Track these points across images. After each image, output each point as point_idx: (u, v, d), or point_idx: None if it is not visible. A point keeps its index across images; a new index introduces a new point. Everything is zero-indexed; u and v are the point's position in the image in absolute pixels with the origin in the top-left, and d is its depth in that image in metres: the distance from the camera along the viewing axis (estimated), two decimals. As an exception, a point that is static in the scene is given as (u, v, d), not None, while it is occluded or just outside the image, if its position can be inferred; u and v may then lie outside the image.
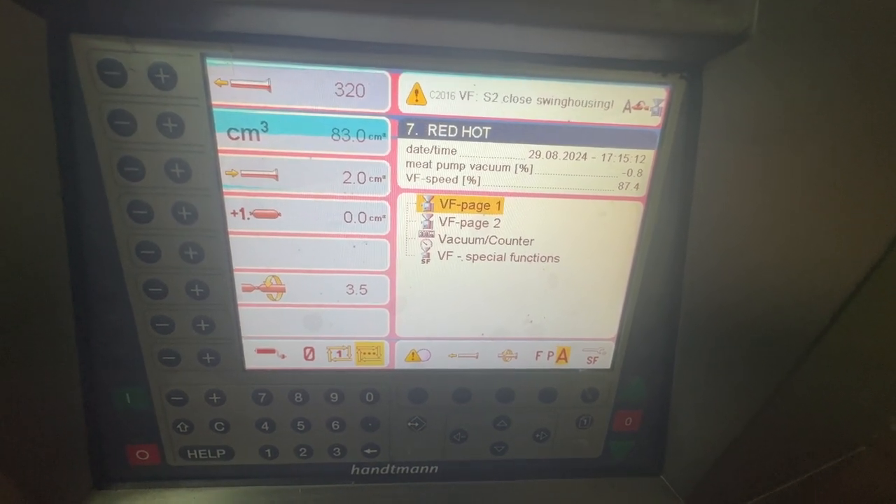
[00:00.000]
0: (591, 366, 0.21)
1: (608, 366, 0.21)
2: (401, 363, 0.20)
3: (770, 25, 0.15)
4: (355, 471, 0.22)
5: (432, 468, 0.22)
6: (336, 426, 0.21)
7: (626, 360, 0.21)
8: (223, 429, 0.20)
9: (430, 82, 0.16)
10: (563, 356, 0.21)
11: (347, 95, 0.16)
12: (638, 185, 0.18)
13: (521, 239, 0.18)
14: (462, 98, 0.16)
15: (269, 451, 0.21)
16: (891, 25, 0.12)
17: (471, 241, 0.18)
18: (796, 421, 0.21)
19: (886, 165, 0.13)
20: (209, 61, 0.15)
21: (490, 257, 0.19)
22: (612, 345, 0.21)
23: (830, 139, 0.14)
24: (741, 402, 0.19)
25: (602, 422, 0.22)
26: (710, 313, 0.19)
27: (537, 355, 0.21)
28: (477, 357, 0.20)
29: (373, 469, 0.22)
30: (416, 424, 0.21)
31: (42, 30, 0.14)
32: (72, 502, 0.20)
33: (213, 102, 0.16)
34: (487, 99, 0.16)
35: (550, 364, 0.21)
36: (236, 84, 0.15)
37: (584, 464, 0.23)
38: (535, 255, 0.19)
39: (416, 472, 0.22)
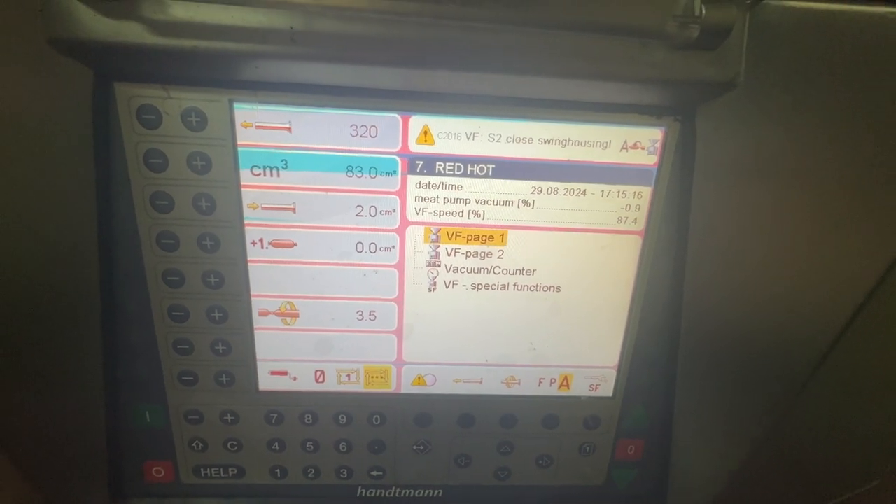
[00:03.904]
0: (593, 393, 0.22)
1: (610, 394, 0.22)
2: (407, 387, 0.21)
3: (756, 74, 0.16)
4: (361, 493, 0.22)
5: (437, 492, 0.23)
6: (343, 448, 0.21)
7: (627, 388, 0.22)
8: (236, 448, 0.21)
9: (438, 124, 0.17)
10: (565, 383, 0.21)
11: (361, 136, 0.17)
12: (636, 219, 0.19)
13: (523, 269, 0.19)
14: (468, 138, 0.17)
15: (278, 470, 0.22)
16: (852, 75, 0.13)
17: (475, 271, 0.19)
18: (798, 453, 0.21)
19: (865, 201, 0.14)
20: (236, 106, 0.16)
21: (494, 287, 0.19)
22: (614, 373, 0.21)
23: (813, 177, 0.15)
24: (742, 433, 0.19)
25: (605, 449, 0.23)
26: (708, 343, 0.19)
27: (540, 382, 0.21)
28: (481, 383, 0.21)
29: (378, 491, 0.22)
30: (422, 448, 0.22)
31: (89, 78, 0.15)
32: None
33: (239, 142, 0.17)
34: (491, 139, 0.18)
35: (553, 391, 0.21)
36: (260, 126, 0.17)
37: (588, 491, 0.23)
38: (537, 285, 0.19)
39: (421, 495, 0.23)
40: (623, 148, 0.18)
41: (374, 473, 0.22)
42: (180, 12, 0.14)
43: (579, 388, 0.21)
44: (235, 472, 0.21)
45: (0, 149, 0.15)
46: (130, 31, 0.14)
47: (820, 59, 0.14)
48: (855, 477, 0.30)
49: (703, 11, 0.14)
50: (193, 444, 0.21)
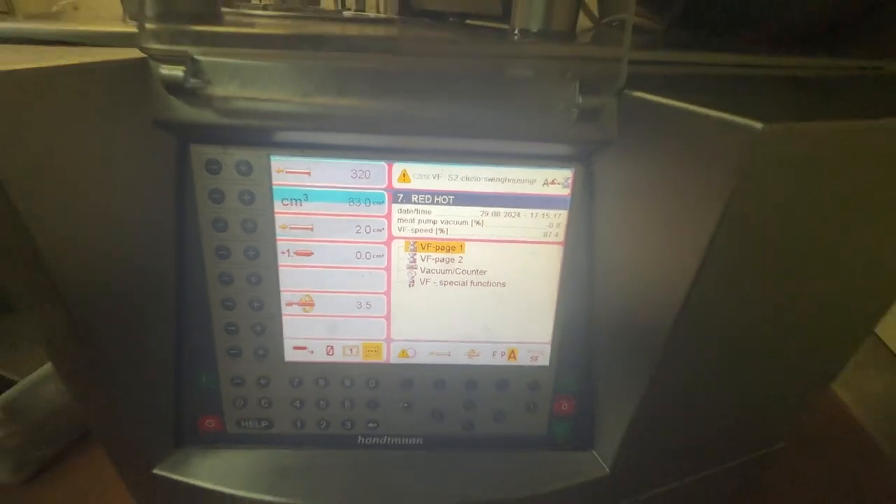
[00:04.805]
0: (534, 363, 0.28)
1: (546, 363, 0.28)
2: (394, 359, 0.28)
3: (626, 134, 0.22)
4: (360, 440, 0.29)
5: (418, 440, 0.29)
6: (347, 405, 0.28)
7: (559, 359, 0.28)
8: (267, 405, 0.28)
9: (413, 168, 0.24)
10: (512, 355, 0.28)
11: (359, 178, 0.24)
12: (557, 234, 0.26)
13: (477, 270, 0.26)
14: (434, 178, 0.24)
15: (298, 422, 0.28)
16: (677, 143, 0.20)
17: (442, 272, 0.26)
18: (676, 415, 0.27)
19: (684, 213, 0.21)
20: (272, 158, 0.24)
21: (456, 283, 0.26)
22: (548, 347, 0.28)
23: (660, 201, 0.22)
24: (632, 391, 0.26)
25: (545, 406, 0.29)
26: (608, 323, 0.26)
27: (493, 354, 0.28)
28: (449, 355, 0.28)
29: (374, 439, 0.29)
30: (406, 405, 0.29)
31: (173, 143, 0.23)
32: (158, 455, 0.28)
33: (274, 183, 0.24)
34: (451, 178, 0.24)
35: (504, 361, 0.28)
36: (288, 171, 0.24)
37: (533, 440, 0.30)
38: (487, 282, 0.26)
39: (406, 442, 0.29)
40: (545, 183, 0.25)
41: (371, 425, 0.29)
42: (236, 104, 0.21)
43: (523, 359, 0.28)
44: (266, 423, 0.28)
45: (113, 189, 0.22)
46: (204, 115, 0.21)
47: (656, 129, 0.21)
48: (754, 439, 0.36)
49: (581, 101, 0.21)
50: (236, 403, 0.28)
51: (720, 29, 0.46)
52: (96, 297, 0.21)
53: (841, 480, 1.00)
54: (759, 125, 0.16)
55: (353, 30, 0.29)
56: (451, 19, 0.44)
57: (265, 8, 0.36)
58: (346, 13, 0.44)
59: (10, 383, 0.95)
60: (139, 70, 0.20)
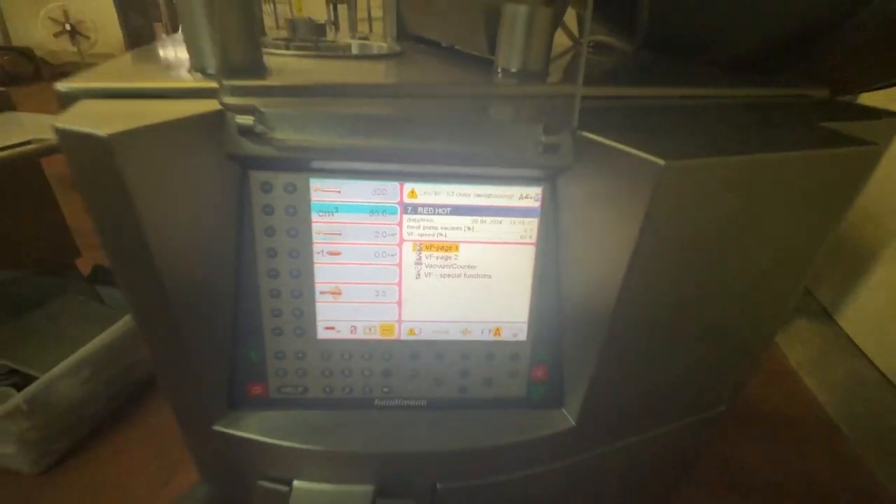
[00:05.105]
0: (514, 338, 0.36)
1: (524, 339, 0.36)
2: (405, 336, 0.35)
3: (579, 161, 0.30)
4: (376, 402, 0.36)
5: (422, 402, 0.36)
6: (367, 374, 0.35)
7: (534, 334, 0.35)
8: (303, 375, 0.35)
9: (419, 187, 0.31)
10: (497, 332, 0.35)
11: (378, 195, 0.31)
12: (532, 236, 0.33)
13: (468, 265, 0.33)
14: (435, 194, 0.31)
15: (327, 388, 0.35)
16: (608, 172, 0.27)
17: (442, 267, 0.33)
18: (630, 375, 0.35)
19: (609, 221, 0.28)
20: (311, 180, 0.30)
21: (452, 276, 0.33)
22: (525, 326, 0.35)
23: (600, 210, 0.29)
24: (591, 360, 0.33)
25: (523, 374, 0.37)
26: (571, 305, 0.33)
27: (482, 332, 0.35)
28: (447, 333, 0.35)
29: (387, 401, 0.36)
30: (412, 374, 0.36)
31: (237, 170, 0.30)
32: (216, 415, 0.35)
33: (312, 199, 0.31)
34: (449, 194, 0.31)
35: (490, 337, 0.35)
36: (323, 190, 0.31)
37: (515, 401, 0.37)
38: (477, 274, 0.34)
39: (413, 404, 0.36)
40: (520, 198, 0.32)
41: (384, 390, 0.36)
42: (287, 142, 0.28)
43: (506, 335, 0.35)
44: (302, 389, 0.35)
45: (196, 204, 0.29)
46: (263, 150, 0.28)
47: (598, 159, 0.28)
48: (696, 403, 0.44)
49: (545, 139, 0.28)
50: (278, 373, 0.35)
51: (680, 52, 0.54)
52: (182, 285, 0.28)
53: (804, 457, 1.10)
54: (662, 162, 0.24)
55: (369, 74, 0.37)
56: (443, 45, 0.51)
57: (287, 46, 0.43)
58: (353, 43, 0.51)
59: (31, 379, 1.02)
60: (219, 118, 0.27)
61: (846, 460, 1.03)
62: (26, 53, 3.54)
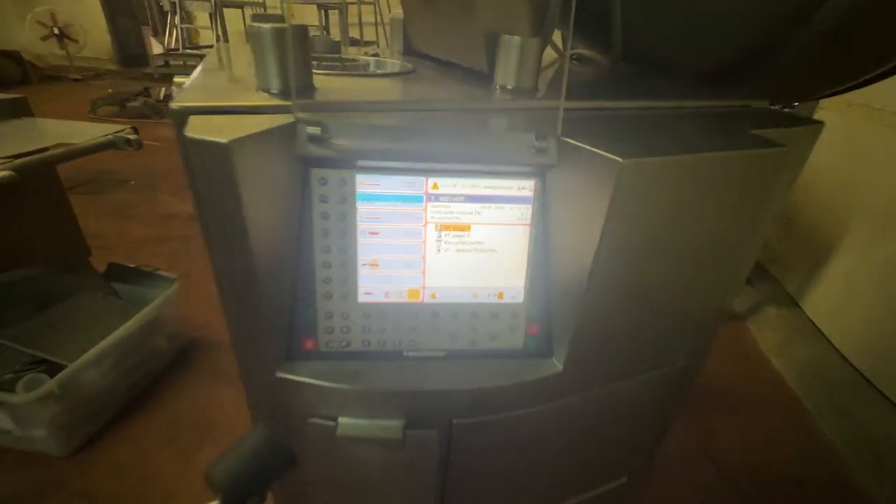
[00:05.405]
0: (513, 301, 0.45)
1: (521, 301, 0.45)
2: (427, 300, 0.43)
3: (562, 160, 0.39)
4: (405, 354, 0.44)
5: (442, 353, 0.45)
6: (397, 330, 0.44)
7: (529, 298, 0.44)
8: (346, 332, 0.43)
9: (441, 181, 0.40)
10: (500, 296, 0.44)
11: (408, 187, 0.40)
12: (527, 218, 0.42)
13: (478, 242, 0.42)
14: (453, 186, 0.41)
15: (366, 342, 0.44)
16: (583, 169, 0.37)
17: (457, 243, 0.42)
18: (606, 331, 0.44)
19: (576, 212, 0.38)
20: (357, 175, 0.39)
21: (465, 250, 0.42)
22: (523, 290, 0.44)
23: (581, 199, 0.39)
24: (573, 319, 0.42)
25: (521, 330, 0.45)
26: (558, 273, 0.43)
27: (488, 295, 0.44)
28: (461, 296, 0.44)
29: (413, 353, 0.44)
30: (434, 330, 0.44)
31: (301, 168, 0.38)
32: (278, 364, 0.43)
33: (357, 190, 0.40)
34: (463, 186, 0.40)
35: (495, 300, 0.44)
36: (367, 184, 0.39)
37: (514, 352, 0.45)
38: (484, 249, 0.42)
39: (434, 355, 0.44)
40: (518, 189, 0.41)
41: (410, 342, 0.45)
42: (343, 146, 0.37)
43: (507, 298, 0.44)
44: (346, 343, 0.44)
45: (274, 196, 0.38)
46: (324, 153, 0.37)
47: (576, 158, 0.38)
48: (661, 356, 0.53)
49: (536, 143, 0.38)
50: (326, 330, 0.43)
51: (652, 64, 0.65)
52: (262, 256, 0.37)
53: (772, 431, 1.23)
54: (621, 160, 0.33)
55: (394, 92, 0.46)
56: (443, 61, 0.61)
57: (318, 66, 0.52)
58: (371, 61, 0.60)
59: (58, 368, 1.12)
60: (292, 128, 0.36)
61: (807, 431, 1.15)
62: (14, 57, 3.51)
